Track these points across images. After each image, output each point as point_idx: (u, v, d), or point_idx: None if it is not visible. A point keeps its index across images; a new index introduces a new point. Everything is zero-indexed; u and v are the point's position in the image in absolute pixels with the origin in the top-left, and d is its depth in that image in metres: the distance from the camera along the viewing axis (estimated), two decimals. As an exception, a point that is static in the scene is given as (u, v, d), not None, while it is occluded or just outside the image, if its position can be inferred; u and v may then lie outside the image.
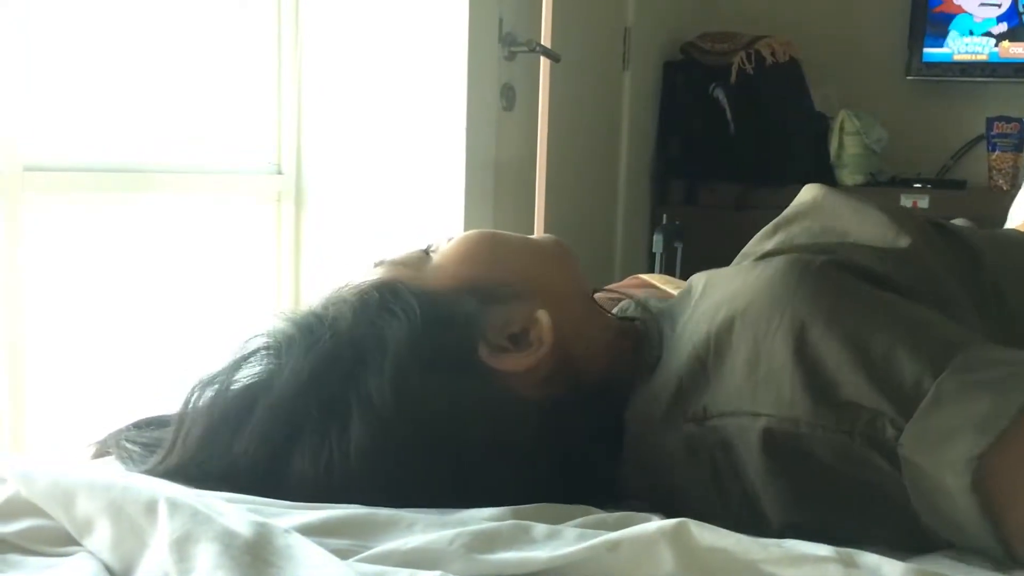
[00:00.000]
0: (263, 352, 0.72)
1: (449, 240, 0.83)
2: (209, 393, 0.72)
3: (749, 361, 0.68)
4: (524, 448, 0.70)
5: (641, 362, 0.76)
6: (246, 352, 0.73)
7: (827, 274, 0.70)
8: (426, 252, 0.82)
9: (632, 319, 0.84)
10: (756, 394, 0.67)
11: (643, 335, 0.79)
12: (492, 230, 0.86)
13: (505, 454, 0.70)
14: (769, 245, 0.84)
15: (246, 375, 0.71)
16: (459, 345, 0.72)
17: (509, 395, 0.72)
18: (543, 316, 0.75)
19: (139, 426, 0.79)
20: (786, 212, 0.88)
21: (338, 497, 0.66)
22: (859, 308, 0.68)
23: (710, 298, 0.74)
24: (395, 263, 0.80)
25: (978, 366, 0.64)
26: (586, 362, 0.76)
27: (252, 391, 0.70)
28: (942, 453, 0.61)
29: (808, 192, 0.90)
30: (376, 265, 0.80)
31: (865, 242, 0.79)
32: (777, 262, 0.72)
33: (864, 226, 0.82)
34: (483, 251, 0.81)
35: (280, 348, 0.71)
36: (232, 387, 0.71)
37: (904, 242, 0.79)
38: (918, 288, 0.73)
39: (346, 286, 0.78)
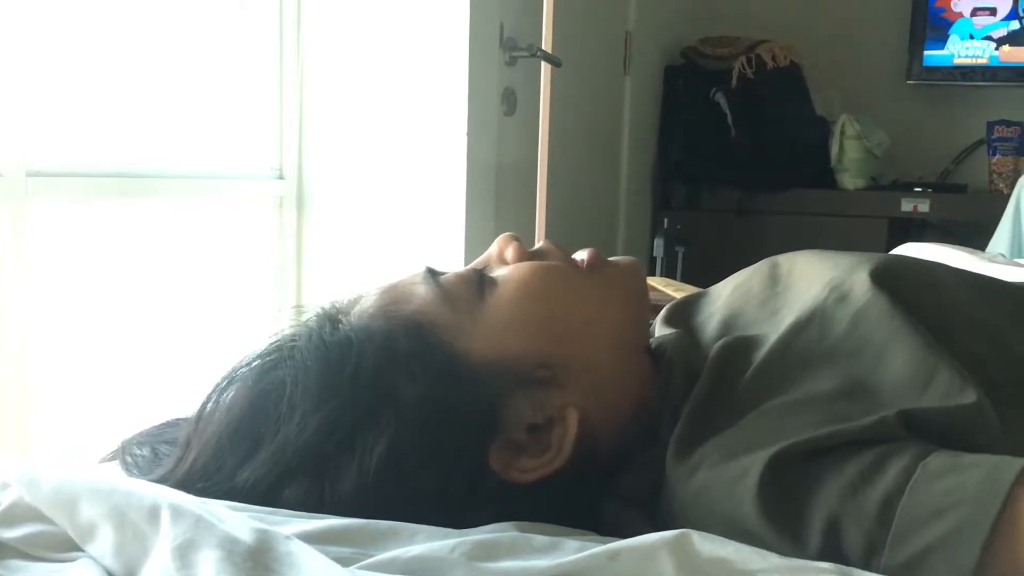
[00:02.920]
0: (283, 367, 0.71)
1: (507, 275, 0.75)
2: (226, 397, 0.71)
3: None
4: (517, 516, 0.67)
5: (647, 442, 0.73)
6: (267, 362, 0.72)
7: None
8: (480, 279, 0.74)
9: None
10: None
11: (655, 420, 0.74)
12: (562, 269, 0.76)
13: (493, 519, 0.67)
14: (782, 399, 0.69)
15: (264, 384, 0.71)
16: (468, 442, 0.68)
17: (508, 481, 0.69)
18: (571, 417, 0.70)
19: (152, 433, 0.78)
20: (800, 323, 0.74)
21: None
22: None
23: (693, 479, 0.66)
24: (443, 295, 0.73)
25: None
26: (605, 444, 0.73)
27: (259, 428, 0.70)
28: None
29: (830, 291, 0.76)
30: (424, 278, 0.74)
31: (891, 384, 0.68)
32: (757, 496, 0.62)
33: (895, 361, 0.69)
34: (539, 313, 0.73)
35: (297, 380, 0.69)
36: (245, 405, 0.71)
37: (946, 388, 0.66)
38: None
39: (386, 299, 0.73)
